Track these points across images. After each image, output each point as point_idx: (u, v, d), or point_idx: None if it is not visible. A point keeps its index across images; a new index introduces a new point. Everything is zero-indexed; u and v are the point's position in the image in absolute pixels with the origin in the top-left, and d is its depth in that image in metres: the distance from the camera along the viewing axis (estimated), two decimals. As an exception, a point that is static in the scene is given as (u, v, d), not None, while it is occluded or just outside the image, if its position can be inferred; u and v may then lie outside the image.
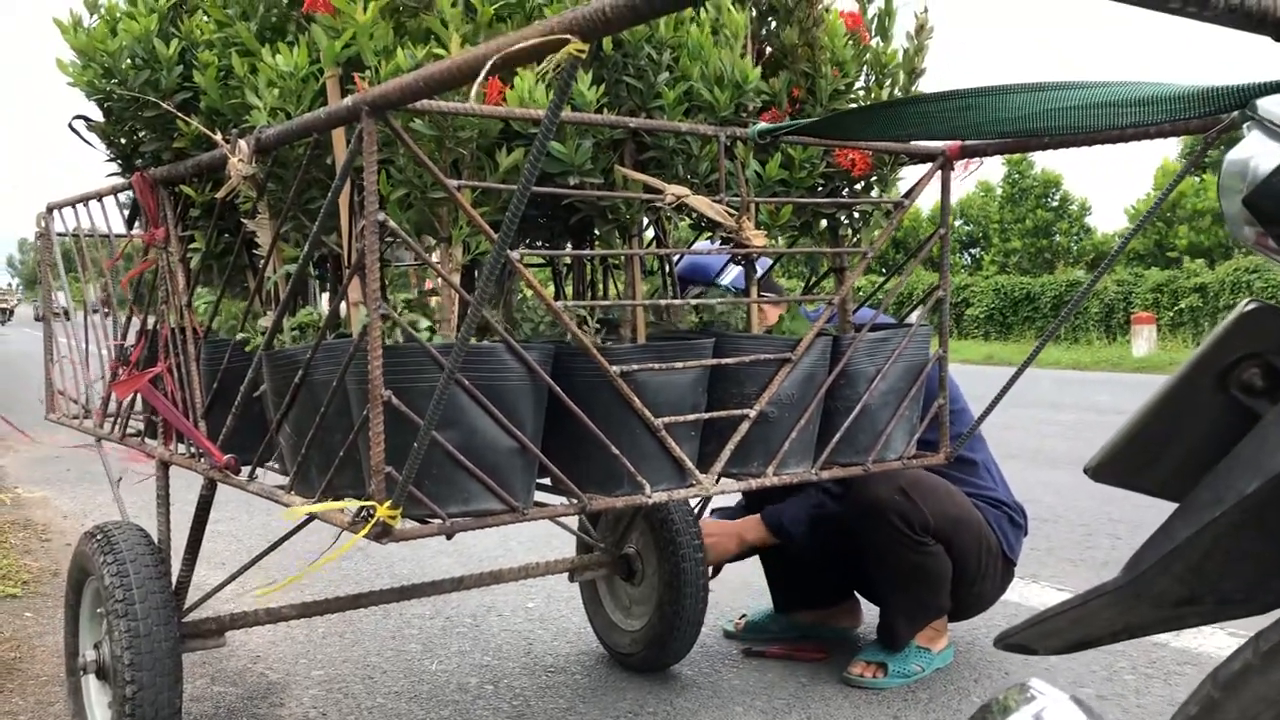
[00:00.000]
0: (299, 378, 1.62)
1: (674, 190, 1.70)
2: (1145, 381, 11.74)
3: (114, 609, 1.96)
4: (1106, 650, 2.73)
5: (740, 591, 3.28)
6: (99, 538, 2.09)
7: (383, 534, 1.44)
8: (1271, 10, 0.89)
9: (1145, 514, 4.35)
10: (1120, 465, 1.00)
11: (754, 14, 2.04)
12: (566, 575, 2.80)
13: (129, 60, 2.07)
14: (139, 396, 2.32)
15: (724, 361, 1.81)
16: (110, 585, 1.99)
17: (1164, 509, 0.98)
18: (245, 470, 1.87)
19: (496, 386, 1.56)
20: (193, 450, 2.05)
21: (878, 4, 2.06)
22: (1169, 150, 25.41)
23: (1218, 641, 2.85)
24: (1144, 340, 16.71)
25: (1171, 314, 19.27)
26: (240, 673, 2.77)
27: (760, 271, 2.14)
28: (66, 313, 2.75)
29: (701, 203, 1.71)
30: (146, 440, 2.33)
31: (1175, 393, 0.96)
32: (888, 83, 2.05)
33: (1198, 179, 24.00)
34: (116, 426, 2.42)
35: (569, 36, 0.96)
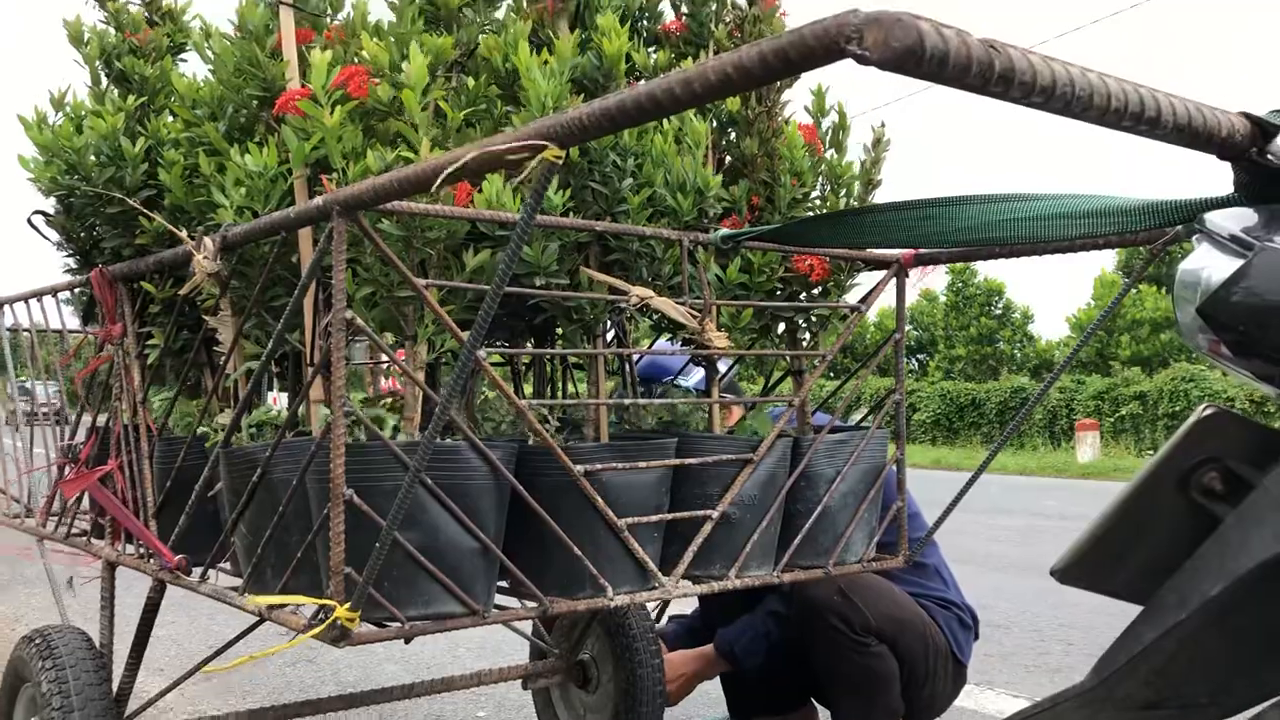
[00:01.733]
0: (257, 476, 1.60)
1: (639, 292, 1.72)
2: (1091, 487, 11.89)
3: (50, 717, 1.89)
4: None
5: (696, 698, 3.22)
6: (38, 642, 2.02)
7: (340, 637, 1.41)
8: (1216, 130, 0.94)
9: (1098, 619, 4.37)
10: (1085, 568, 1.02)
11: (715, 124, 2.10)
12: (519, 682, 2.74)
13: (94, 157, 2.07)
14: (86, 495, 2.27)
15: (687, 462, 1.82)
16: (48, 692, 1.91)
17: (1116, 615, 0.99)
18: (196, 571, 1.83)
19: (460, 486, 1.54)
20: (142, 551, 2.00)
21: (832, 118, 2.13)
22: (1107, 262, 26.18)
23: (1173, 749, 2.83)
24: (1088, 446, 16.98)
25: (1112, 420, 19.64)
26: (177, 785, 2.66)
27: (723, 372, 2.16)
28: (59, 414, 2.66)
29: (666, 304, 1.73)
30: (92, 540, 2.28)
31: (1138, 496, 0.98)
32: (843, 192, 2.11)
33: (1135, 290, 24.70)
34: (60, 526, 2.36)
35: (546, 143, 0.99)
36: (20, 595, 5.07)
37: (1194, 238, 1.02)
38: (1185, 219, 1.12)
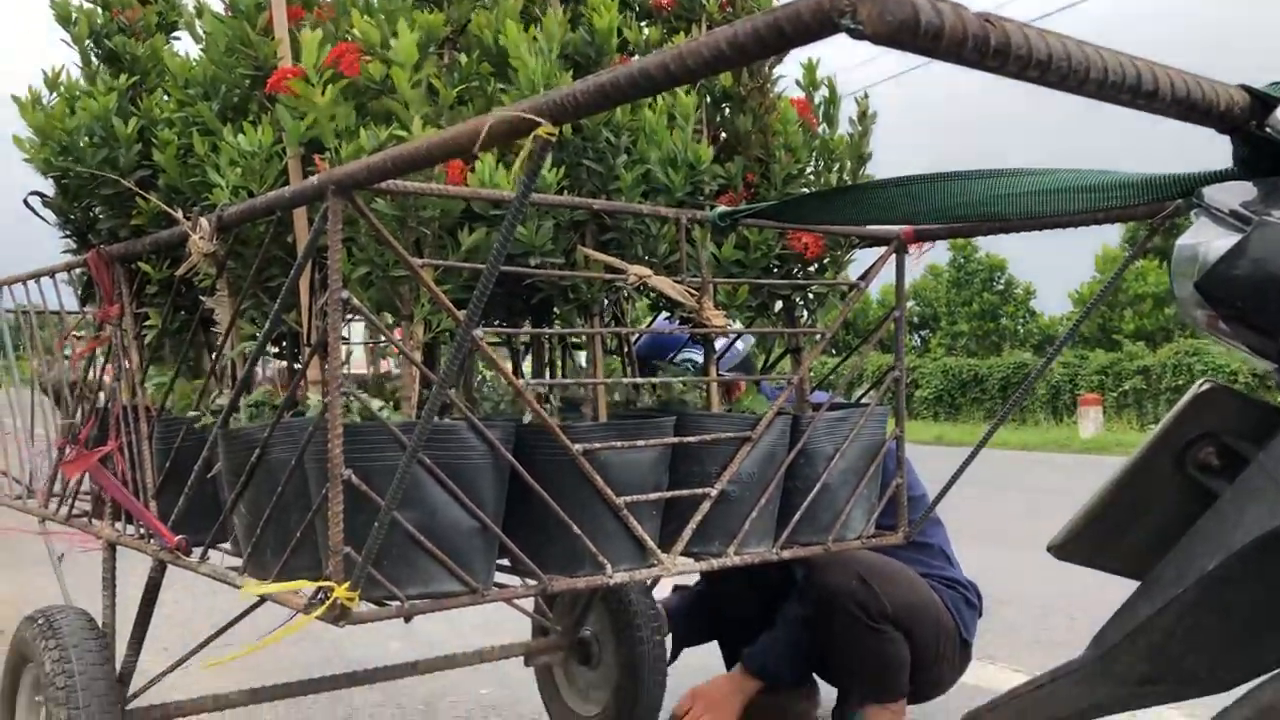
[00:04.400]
0: (255, 457, 1.60)
1: (637, 271, 1.72)
2: (1093, 462, 11.90)
3: (54, 697, 1.90)
4: (1064, 732, 2.72)
5: (698, 675, 3.23)
6: (40, 622, 2.03)
7: (340, 616, 1.41)
8: (1214, 103, 0.93)
9: (1101, 594, 4.36)
10: (1083, 544, 1.02)
11: (708, 101, 2.09)
12: (521, 659, 2.75)
13: (87, 138, 2.06)
14: (86, 476, 2.27)
15: (686, 440, 1.81)
16: (51, 672, 1.92)
17: (1119, 588, 0.99)
18: (196, 552, 1.83)
19: (458, 466, 1.54)
20: (142, 531, 2.01)
21: (823, 92, 2.11)
22: (1109, 237, 26.14)
23: (1173, 723, 2.85)
24: (1091, 421, 16.97)
25: (1116, 395, 19.63)
26: (182, 764, 2.67)
27: (721, 351, 2.15)
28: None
29: (664, 283, 1.73)
30: (93, 521, 2.28)
31: (1134, 473, 0.97)
32: (835, 167, 2.10)
33: (1137, 264, 24.66)
34: (61, 507, 2.36)
35: (540, 120, 0.98)
36: (24, 576, 5.08)
37: (1192, 213, 1.02)
38: (1184, 193, 1.11)
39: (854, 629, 2.55)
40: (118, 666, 2.05)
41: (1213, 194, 0.97)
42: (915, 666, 2.64)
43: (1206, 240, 0.93)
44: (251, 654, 1.59)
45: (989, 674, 3.34)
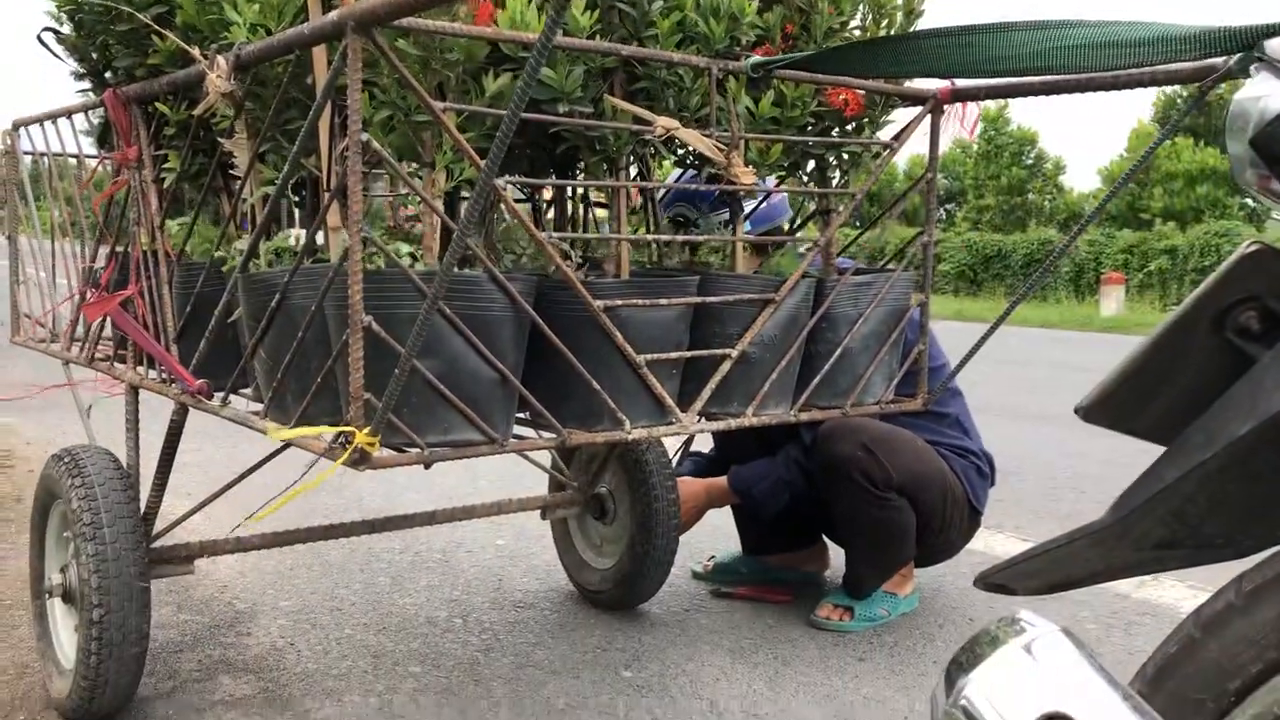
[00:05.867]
0: (276, 302, 1.59)
1: (664, 122, 1.67)
2: (1113, 340, 11.86)
3: (82, 532, 1.94)
4: (1069, 599, 2.78)
5: (709, 533, 3.29)
6: (66, 461, 2.06)
7: (360, 461, 1.42)
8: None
9: (1110, 469, 4.40)
10: (1111, 406, 1.00)
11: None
12: (538, 513, 2.80)
13: (102, -30, 2.00)
14: (108, 320, 2.28)
15: (708, 300, 1.80)
16: (78, 509, 1.96)
17: (1127, 465, 0.98)
18: (218, 396, 1.84)
19: (479, 317, 1.53)
20: (164, 375, 2.02)
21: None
22: (1144, 112, 25.47)
23: (1177, 594, 2.89)
24: (1113, 300, 16.86)
25: (1141, 275, 19.45)
26: (207, 601, 2.76)
27: (749, 212, 2.12)
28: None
29: (692, 136, 1.68)
30: (115, 365, 2.29)
31: (1170, 335, 0.95)
32: (884, 23, 2.02)
33: (1170, 142, 24.12)
34: (84, 350, 2.38)
35: (569, -52, 0.93)
36: (52, 419, 5.18)
37: (1252, 66, 0.97)
38: (1244, 47, 1.06)
39: (859, 497, 2.57)
40: (142, 507, 2.08)
41: (1275, 46, 0.92)
42: (923, 532, 2.68)
43: (1266, 95, 0.89)
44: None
45: (997, 541, 3.39)
